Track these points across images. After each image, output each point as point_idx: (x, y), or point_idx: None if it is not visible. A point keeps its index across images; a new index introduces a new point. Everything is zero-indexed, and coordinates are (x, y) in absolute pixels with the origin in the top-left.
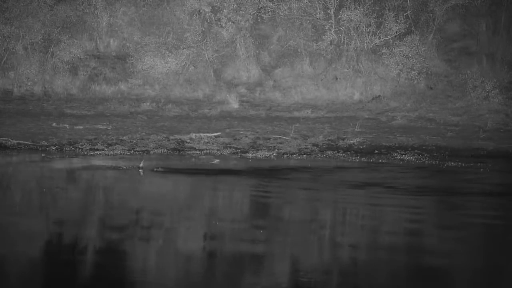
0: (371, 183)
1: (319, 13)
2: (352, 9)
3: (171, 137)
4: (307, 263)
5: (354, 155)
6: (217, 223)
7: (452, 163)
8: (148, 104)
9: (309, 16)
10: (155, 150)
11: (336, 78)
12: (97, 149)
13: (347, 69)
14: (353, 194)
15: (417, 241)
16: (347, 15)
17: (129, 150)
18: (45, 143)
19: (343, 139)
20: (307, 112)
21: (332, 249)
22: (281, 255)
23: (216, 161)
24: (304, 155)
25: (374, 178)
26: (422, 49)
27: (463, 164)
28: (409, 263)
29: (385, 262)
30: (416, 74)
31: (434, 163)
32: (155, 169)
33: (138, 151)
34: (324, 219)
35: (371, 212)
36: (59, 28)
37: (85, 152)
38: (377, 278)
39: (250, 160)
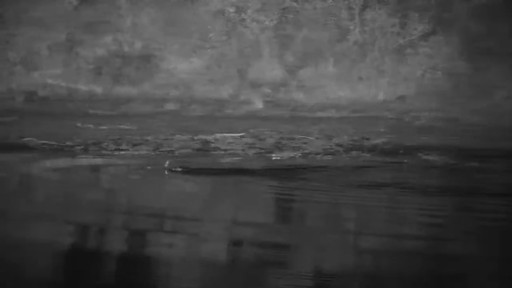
0: (392, 183)
1: (343, 13)
2: (376, 9)
3: (196, 137)
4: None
5: (378, 155)
6: (235, 224)
7: (476, 164)
8: (172, 104)
9: (333, 16)
10: (180, 151)
11: (360, 78)
12: (122, 149)
13: (371, 69)
14: (373, 194)
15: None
16: (371, 15)
17: (153, 150)
18: (70, 143)
19: (367, 139)
20: (331, 112)
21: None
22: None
23: (236, 159)
24: (329, 155)
25: (396, 178)
26: (446, 49)
27: (486, 165)
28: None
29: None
30: (440, 74)
31: (457, 163)
32: (173, 169)
33: (162, 151)
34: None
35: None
36: (82, 28)
37: (110, 152)
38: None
39: (273, 160)
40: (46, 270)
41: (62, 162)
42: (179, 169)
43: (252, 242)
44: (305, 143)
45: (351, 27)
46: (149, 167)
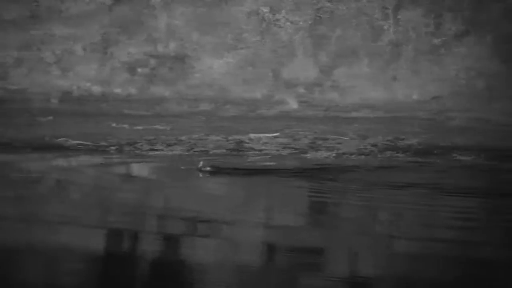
0: (427, 183)
1: (378, 13)
2: (410, 9)
3: (230, 138)
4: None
5: (412, 155)
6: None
7: (510, 165)
8: (206, 104)
9: (368, 16)
10: (214, 151)
11: (394, 78)
12: (156, 150)
13: (405, 69)
14: (406, 195)
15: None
16: (405, 15)
17: (187, 150)
18: (104, 144)
19: (402, 140)
20: (365, 112)
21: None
22: (336, 262)
23: (270, 159)
24: (363, 156)
25: (430, 178)
26: (480, 49)
27: None
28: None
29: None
30: (474, 74)
31: (491, 164)
32: (202, 169)
33: (197, 151)
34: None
35: (423, 215)
36: (117, 29)
37: (144, 153)
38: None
39: (308, 160)
40: (80, 274)
41: (96, 162)
42: (208, 169)
43: (285, 244)
44: (339, 143)
45: (385, 27)
46: (183, 168)
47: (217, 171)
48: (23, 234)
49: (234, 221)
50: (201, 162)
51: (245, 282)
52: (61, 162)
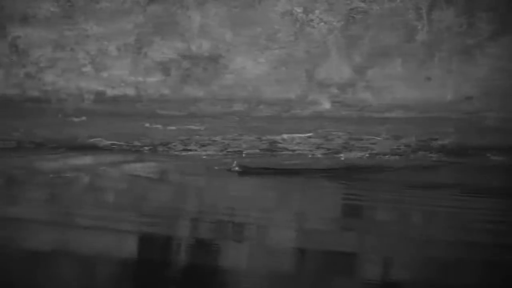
0: (460, 184)
1: (411, 13)
2: (444, 9)
3: (263, 138)
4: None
5: (445, 155)
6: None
7: None
8: (240, 104)
9: (401, 17)
10: (247, 151)
11: (428, 79)
12: (190, 150)
13: (439, 69)
14: (440, 195)
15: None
16: (439, 15)
17: (221, 150)
18: (138, 144)
19: (435, 140)
20: (399, 113)
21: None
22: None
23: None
24: (396, 156)
25: (463, 179)
26: None
27: None
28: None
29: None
30: (508, 75)
31: None
32: (232, 169)
33: (230, 151)
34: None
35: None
36: (151, 29)
37: (178, 153)
38: None
39: (341, 161)
40: (112, 277)
41: (130, 162)
42: (237, 169)
43: (316, 247)
44: (373, 143)
45: (419, 27)
46: (216, 168)
47: (246, 171)
48: (55, 237)
49: (266, 223)
50: (234, 162)
51: (277, 285)
52: (94, 162)
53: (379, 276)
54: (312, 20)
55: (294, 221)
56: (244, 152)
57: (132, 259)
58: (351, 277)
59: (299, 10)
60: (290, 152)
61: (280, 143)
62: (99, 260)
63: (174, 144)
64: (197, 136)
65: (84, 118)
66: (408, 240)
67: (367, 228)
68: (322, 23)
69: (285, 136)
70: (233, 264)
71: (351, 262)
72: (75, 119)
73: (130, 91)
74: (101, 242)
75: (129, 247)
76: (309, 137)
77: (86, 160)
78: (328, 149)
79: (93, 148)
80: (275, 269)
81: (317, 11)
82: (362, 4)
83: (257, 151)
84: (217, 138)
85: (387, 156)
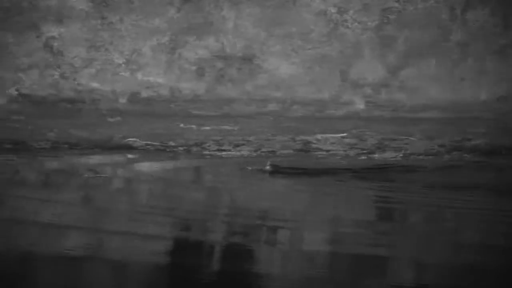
0: (491, 184)
1: (445, 13)
2: (478, 9)
3: (297, 138)
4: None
5: (479, 156)
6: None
7: None
8: (273, 104)
9: (435, 17)
10: (281, 151)
11: (462, 79)
12: (224, 150)
13: (473, 69)
14: (473, 196)
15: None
16: (473, 15)
17: (255, 151)
18: (173, 144)
19: (469, 140)
20: (433, 113)
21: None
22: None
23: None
24: (430, 156)
25: (496, 179)
26: None
27: None
28: None
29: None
30: None
31: None
32: (264, 169)
33: (264, 152)
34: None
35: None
36: (185, 30)
37: (212, 153)
38: None
39: (374, 161)
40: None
41: (165, 162)
42: (268, 168)
43: (351, 248)
44: (406, 143)
45: (453, 27)
46: (250, 168)
47: (277, 170)
48: (88, 239)
49: (298, 225)
50: (269, 163)
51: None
52: (130, 162)
53: (411, 279)
54: (346, 20)
55: (327, 223)
56: (277, 153)
57: (164, 262)
58: (383, 280)
59: (333, 10)
60: (324, 153)
61: (313, 143)
62: (131, 264)
63: (208, 144)
64: (231, 137)
65: (118, 118)
66: (441, 243)
67: (400, 230)
68: (356, 23)
69: (318, 136)
70: (266, 268)
71: (383, 265)
72: (110, 120)
73: (165, 92)
74: (133, 245)
75: (162, 250)
76: (343, 137)
77: (121, 160)
78: (362, 149)
79: (128, 148)
80: (307, 273)
81: (351, 11)
82: (396, 4)
83: (291, 151)
84: (251, 138)
85: (421, 156)
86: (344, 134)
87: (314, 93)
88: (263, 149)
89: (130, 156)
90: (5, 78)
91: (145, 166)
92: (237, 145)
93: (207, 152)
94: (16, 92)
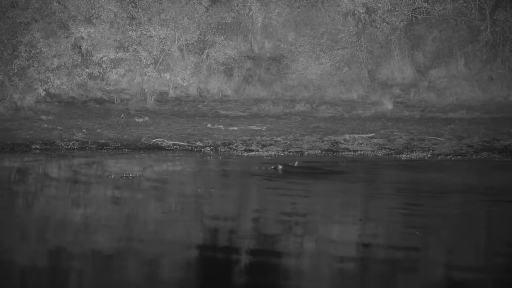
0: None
1: (475, 14)
2: (508, 9)
3: (325, 138)
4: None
5: (508, 156)
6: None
7: None
8: (302, 105)
9: (464, 17)
10: (309, 151)
11: (492, 79)
12: (252, 150)
13: (503, 69)
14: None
15: None
16: (502, 15)
17: (283, 151)
18: (200, 144)
19: (498, 140)
20: (462, 113)
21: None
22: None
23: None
24: (459, 156)
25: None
26: None
27: None
28: None
29: None
30: None
31: None
32: (274, 168)
33: (292, 152)
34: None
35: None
36: (214, 29)
37: (240, 153)
38: None
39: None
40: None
41: (192, 162)
42: (280, 168)
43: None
44: (435, 144)
45: (482, 27)
46: (272, 167)
47: (288, 170)
48: (121, 236)
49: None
50: (296, 162)
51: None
52: (157, 162)
53: (442, 275)
54: (374, 21)
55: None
56: (305, 153)
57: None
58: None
59: (362, 10)
60: (352, 153)
61: (342, 143)
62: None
63: (235, 144)
64: (259, 137)
65: (147, 118)
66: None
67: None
68: (385, 23)
69: (347, 136)
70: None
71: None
72: (138, 120)
73: (193, 92)
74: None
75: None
76: (371, 137)
77: (149, 160)
78: (390, 149)
79: (156, 148)
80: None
81: (379, 11)
82: (425, 4)
83: (319, 151)
84: (279, 138)
85: (449, 156)
86: (372, 134)
87: (343, 93)
88: (291, 149)
89: (158, 155)
90: (33, 78)
91: (172, 166)
92: (265, 145)
93: (234, 152)
94: (45, 92)
